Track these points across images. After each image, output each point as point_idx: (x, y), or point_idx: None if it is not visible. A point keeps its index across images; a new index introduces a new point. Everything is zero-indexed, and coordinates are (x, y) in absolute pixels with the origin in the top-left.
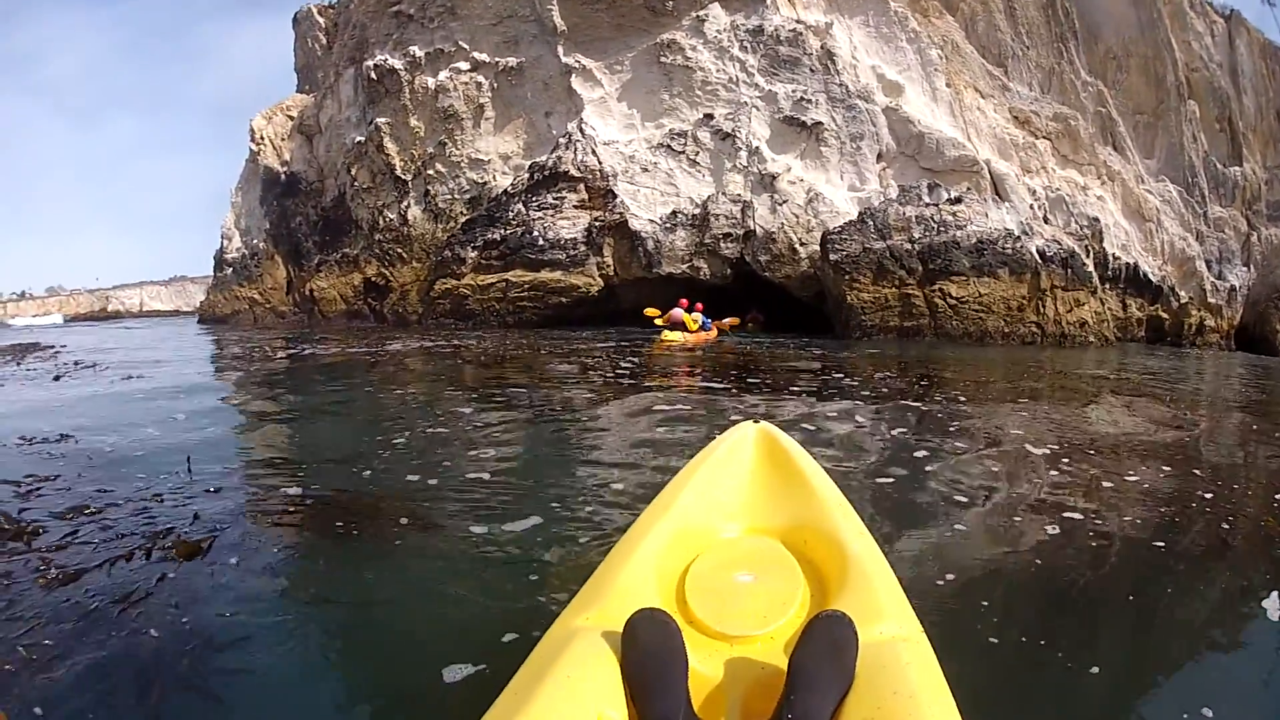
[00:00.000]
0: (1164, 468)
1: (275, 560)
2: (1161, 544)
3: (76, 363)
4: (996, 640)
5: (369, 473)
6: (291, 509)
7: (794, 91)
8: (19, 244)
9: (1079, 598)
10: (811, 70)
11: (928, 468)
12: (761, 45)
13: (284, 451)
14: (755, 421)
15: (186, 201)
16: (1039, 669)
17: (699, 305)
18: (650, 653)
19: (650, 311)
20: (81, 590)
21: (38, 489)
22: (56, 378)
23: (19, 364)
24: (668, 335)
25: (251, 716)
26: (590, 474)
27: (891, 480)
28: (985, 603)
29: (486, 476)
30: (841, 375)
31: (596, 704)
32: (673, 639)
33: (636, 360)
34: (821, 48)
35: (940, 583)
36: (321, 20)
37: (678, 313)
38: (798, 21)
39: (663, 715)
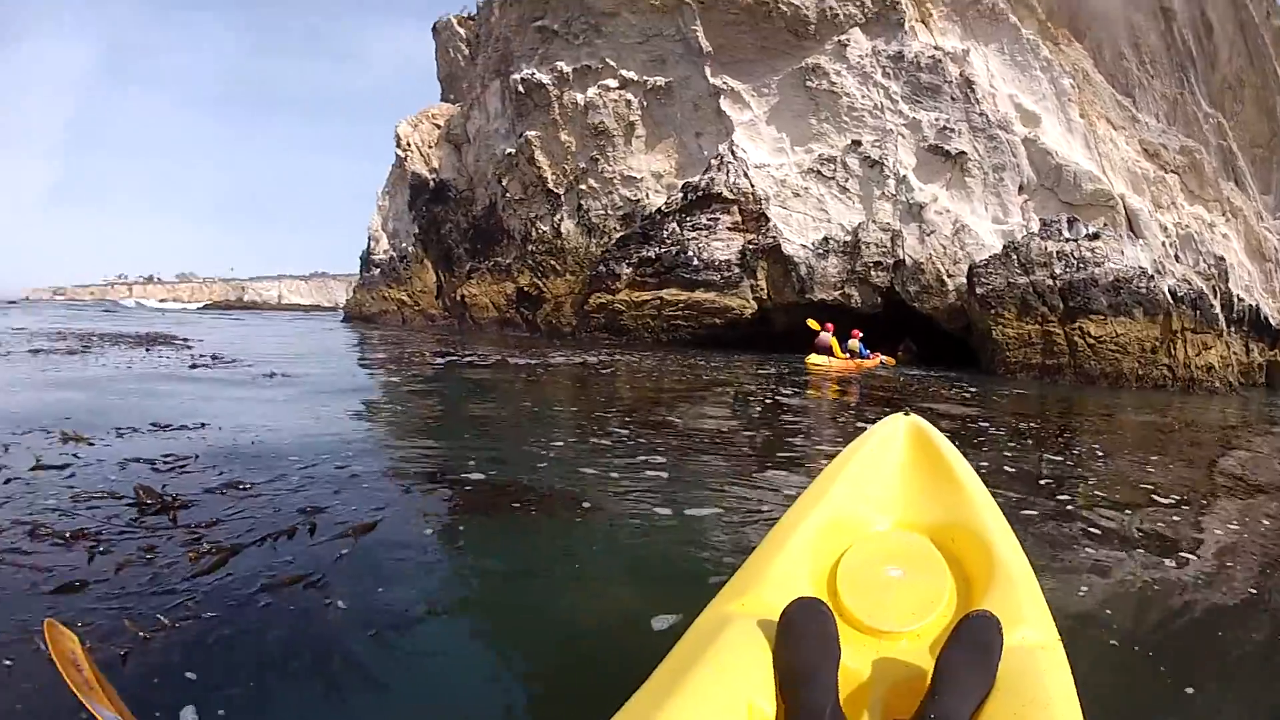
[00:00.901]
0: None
1: (455, 538)
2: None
3: (215, 356)
4: (1118, 654)
5: (543, 464)
6: (465, 493)
7: (937, 120)
8: (151, 227)
9: (1193, 634)
10: (952, 99)
11: (1066, 507)
12: (903, 72)
13: (449, 445)
14: (906, 414)
15: (327, 200)
16: (1159, 692)
17: (855, 331)
18: (807, 642)
19: (812, 324)
20: (237, 566)
21: (181, 466)
22: (192, 366)
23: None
24: (813, 359)
25: (468, 673)
26: (760, 477)
27: (1034, 514)
28: (1110, 612)
29: (664, 475)
30: (990, 417)
31: (747, 692)
32: (829, 629)
33: (795, 386)
34: (960, 75)
35: (1074, 597)
36: (462, 31)
37: (825, 338)
38: (935, 48)
39: (814, 706)
